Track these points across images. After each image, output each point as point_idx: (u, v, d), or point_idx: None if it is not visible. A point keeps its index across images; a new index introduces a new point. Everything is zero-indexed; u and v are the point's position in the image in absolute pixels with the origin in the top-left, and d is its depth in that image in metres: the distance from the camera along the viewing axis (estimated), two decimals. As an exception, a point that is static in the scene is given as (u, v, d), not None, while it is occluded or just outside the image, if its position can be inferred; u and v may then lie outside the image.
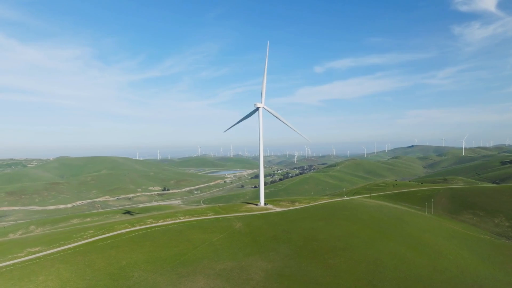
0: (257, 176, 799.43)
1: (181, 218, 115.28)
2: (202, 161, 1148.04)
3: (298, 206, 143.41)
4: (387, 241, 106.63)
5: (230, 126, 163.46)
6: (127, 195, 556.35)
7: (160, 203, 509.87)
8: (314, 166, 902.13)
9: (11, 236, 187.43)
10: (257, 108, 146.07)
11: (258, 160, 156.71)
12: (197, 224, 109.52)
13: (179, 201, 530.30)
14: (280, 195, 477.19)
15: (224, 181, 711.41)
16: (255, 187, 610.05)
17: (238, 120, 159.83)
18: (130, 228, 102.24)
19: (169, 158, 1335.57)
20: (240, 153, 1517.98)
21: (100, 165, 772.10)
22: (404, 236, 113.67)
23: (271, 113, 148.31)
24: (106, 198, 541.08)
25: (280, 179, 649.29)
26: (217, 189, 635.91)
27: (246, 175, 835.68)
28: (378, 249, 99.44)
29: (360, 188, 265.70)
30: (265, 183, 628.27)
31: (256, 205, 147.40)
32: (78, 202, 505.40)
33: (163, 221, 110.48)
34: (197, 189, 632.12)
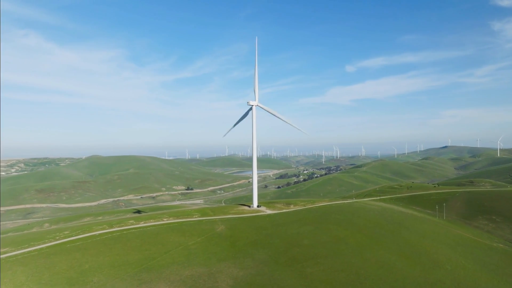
0: (282, 176, 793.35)
1: (165, 219, 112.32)
2: (229, 161, 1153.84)
3: (292, 208, 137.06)
4: (377, 248, 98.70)
5: (228, 130, 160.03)
6: (151, 194, 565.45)
7: (182, 202, 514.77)
8: (341, 167, 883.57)
9: (10, 234, 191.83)
10: (251, 107, 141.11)
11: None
12: (177, 227, 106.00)
13: (201, 200, 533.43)
14: (301, 196, 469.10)
15: (248, 181, 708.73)
16: (279, 187, 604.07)
17: (236, 121, 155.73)
18: (107, 229, 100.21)
19: (197, 157, 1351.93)
20: (268, 153, 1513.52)
21: (128, 164, 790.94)
22: (399, 243, 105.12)
23: (265, 110, 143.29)
24: (131, 196, 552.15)
25: (304, 180, 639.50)
26: (240, 189, 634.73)
27: (271, 175, 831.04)
28: (365, 257, 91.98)
29: (372, 190, 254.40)
30: (289, 184, 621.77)
31: (249, 207, 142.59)
32: (103, 201, 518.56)
33: (144, 223, 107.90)
34: (220, 189, 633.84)
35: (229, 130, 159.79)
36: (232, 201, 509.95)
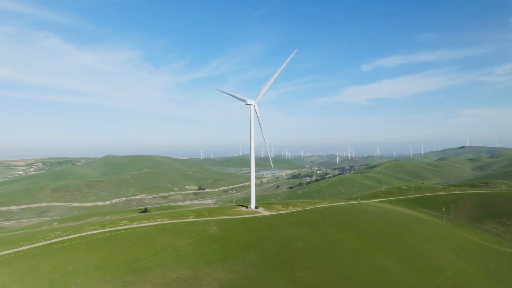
0: (295, 176, 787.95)
1: (158, 220, 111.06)
2: (242, 161, 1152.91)
3: (290, 210, 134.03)
4: (374, 252, 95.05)
5: (224, 92, 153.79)
6: (163, 194, 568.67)
7: (194, 202, 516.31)
8: (355, 167, 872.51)
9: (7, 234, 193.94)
10: (249, 105, 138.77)
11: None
12: (169, 228, 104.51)
13: (213, 200, 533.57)
14: (313, 196, 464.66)
15: (261, 181, 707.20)
16: (291, 187, 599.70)
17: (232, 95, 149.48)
18: (99, 230, 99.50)
19: (211, 157, 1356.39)
20: (282, 153, 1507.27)
21: (142, 164, 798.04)
22: (398, 247, 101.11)
23: (256, 113, 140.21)
24: (143, 196, 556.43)
25: (317, 180, 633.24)
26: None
27: (284, 175, 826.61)
28: (360, 261, 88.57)
29: (379, 191, 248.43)
30: (301, 184, 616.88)
31: (247, 207, 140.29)
32: (116, 200, 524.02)
33: (137, 223, 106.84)
34: (232, 189, 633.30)
35: (225, 92, 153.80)
36: (243, 201, 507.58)
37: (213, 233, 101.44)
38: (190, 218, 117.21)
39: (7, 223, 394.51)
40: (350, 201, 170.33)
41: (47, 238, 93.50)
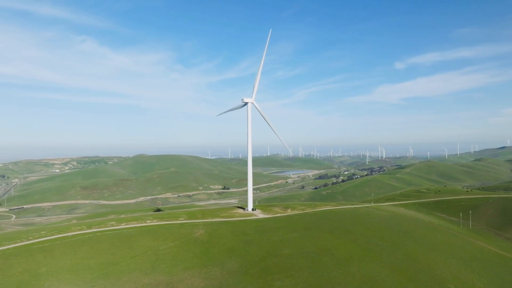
0: (321, 177, 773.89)
1: (148, 221, 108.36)
2: (269, 161, 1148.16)
3: (288, 213, 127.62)
4: (368, 261, 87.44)
5: (223, 112, 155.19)
6: (187, 193, 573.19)
7: (217, 201, 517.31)
8: (384, 168, 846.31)
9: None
10: (245, 104, 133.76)
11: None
12: (155, 230, 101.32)
13: (236, 200, 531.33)
14: (336, 197, 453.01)
15: (286, 181, 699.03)
16: (316, 188, 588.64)
17: (229, 110, 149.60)
18: (85, 230, 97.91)
19: (240, 157, 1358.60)
20: (311, 153, 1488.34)
21: (170, 163, 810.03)
22: (397, 256, 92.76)
23: (258, 111, 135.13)
24: (168, 195, 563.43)
25: (343, 181, 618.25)
26: (276, 189, 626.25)
27: (310, 176, 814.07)
28: (350, 271, 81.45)
29: (396, 194, 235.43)
30: (326, 185, 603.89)
31: (244, 209, 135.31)
32: (141, 198, 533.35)
33: (125, 224, 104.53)
34: (256, 189, 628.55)
35: (223, 113, 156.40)
36: (266, 201, 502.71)
37: (199, 236, 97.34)
38: (180, 220, 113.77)
39: (38, 219, 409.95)
40: (359, 204, 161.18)
41: (30, 238, 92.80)
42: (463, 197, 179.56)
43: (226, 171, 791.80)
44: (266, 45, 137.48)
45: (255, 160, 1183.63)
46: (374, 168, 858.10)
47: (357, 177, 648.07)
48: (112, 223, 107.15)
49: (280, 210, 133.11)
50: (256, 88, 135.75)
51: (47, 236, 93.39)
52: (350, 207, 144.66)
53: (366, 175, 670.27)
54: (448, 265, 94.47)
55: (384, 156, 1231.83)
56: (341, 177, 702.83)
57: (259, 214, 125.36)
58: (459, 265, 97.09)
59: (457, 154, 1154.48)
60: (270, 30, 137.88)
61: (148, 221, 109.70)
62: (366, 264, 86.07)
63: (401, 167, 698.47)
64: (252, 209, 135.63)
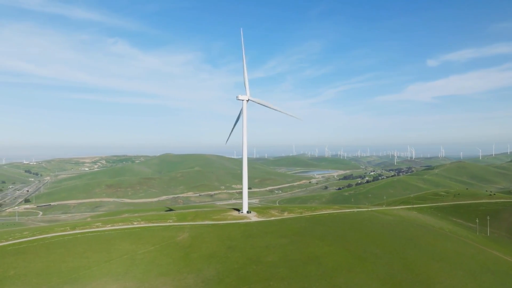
0: (346, 177, 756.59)
1: (135, 223, 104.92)
2: (295, 160, 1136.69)
3: (284, 216, 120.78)
4: (359, 271, 79.71)
5: (228, 135, 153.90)
6: (209, 192, 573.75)
7: (238, 201, 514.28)
8: (413, 169, 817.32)
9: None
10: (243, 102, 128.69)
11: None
12: (138, 232, 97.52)
13: (257, 200, 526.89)
14: (359, 198, 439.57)
15: (309, 182, 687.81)
16: (339, 189, 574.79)
17: (234, 124, 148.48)
18: (67, 231, 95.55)
19: (265, 157, 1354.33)
20: (339, 153, 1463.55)
21: (194, 162, 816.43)
22: (394, 266, 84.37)
23: (258, 103, 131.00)
24: (190, 194, 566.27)
25: (368, 181, 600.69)
26: (299, 190, 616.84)
27: (335, 176, 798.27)
28: (335, 283, 74.24)
29: (411, 197, 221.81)
30: (350, 185, 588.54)
31: (239, 211, 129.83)
32: (164, 197, 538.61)
33: (111, 226, 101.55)
34: (278, 189, 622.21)
35: (229, 134, 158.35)
36: (287, 202, 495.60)
37: (181, 240, 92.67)
38: (168, 222, 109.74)
39: (63, 216, 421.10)
40: (365, 208, 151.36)
41: (10, 238, 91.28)
42: (484, 201, 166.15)
43: (250, 171, 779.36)
44: (242, 43, 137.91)
45: (280, 160, 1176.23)
46: (402, 169, 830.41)
47: (383, 178, 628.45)
48: (97, 224, 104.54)
49: (276, 213, 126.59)
50: (247, 85, 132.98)
51: (28, 237, 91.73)
52: (353, 211, 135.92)
53: (392, 176, 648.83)
54: (452, 277, 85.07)
55: (413, 157, 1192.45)
56: (367, 178, 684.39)
57: (253, 217, 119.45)
58: (466, 277, 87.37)
59: (492, 155, 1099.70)
60: (241, 29, 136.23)
61: (135, 223, 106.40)
62: (356, 275, 78.48)
63: (430, 168, 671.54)
64: (247, 212, 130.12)
